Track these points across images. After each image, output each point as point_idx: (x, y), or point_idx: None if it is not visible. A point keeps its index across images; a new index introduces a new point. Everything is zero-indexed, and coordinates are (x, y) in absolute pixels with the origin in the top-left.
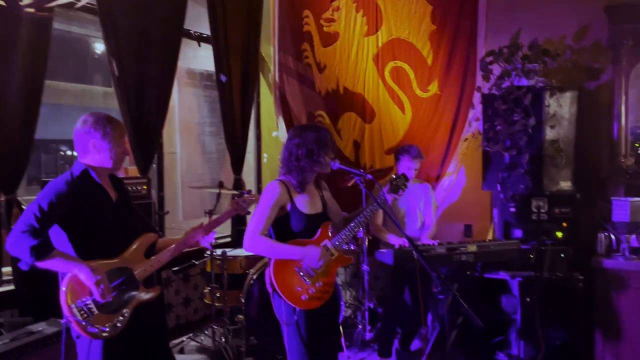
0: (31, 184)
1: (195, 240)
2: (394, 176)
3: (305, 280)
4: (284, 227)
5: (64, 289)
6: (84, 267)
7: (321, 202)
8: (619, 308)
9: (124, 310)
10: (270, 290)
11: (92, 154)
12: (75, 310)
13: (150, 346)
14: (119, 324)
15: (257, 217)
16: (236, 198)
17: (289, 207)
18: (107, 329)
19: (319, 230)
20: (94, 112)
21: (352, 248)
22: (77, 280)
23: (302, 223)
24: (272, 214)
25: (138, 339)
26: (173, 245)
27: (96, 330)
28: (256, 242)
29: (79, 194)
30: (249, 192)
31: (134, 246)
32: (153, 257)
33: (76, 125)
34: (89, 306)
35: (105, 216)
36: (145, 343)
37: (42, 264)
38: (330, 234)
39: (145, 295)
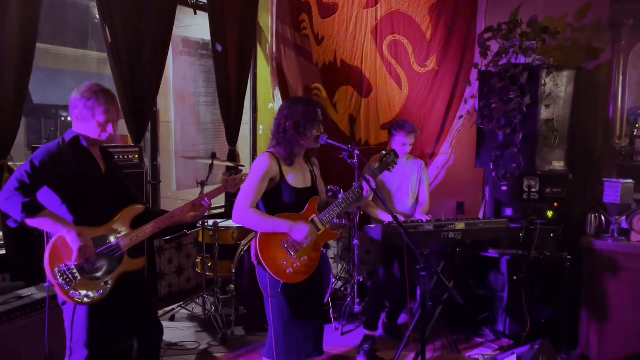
0: (31, 149)
1: (182, 218)
2: (384, 152)
3: (290, 254)
4: (272, 200)
5: (48, 252)
6: (72, 230)
7: (311, 176)
8: (606, 288)
9: (107, 279)
10: (255, 262)
11: (81, 122)
12: (58, 274)
13: (136, 314)
14: (101, 291)
15: (247, 189)
16: (225, 177)
17: (278, 180)
18: (90, 295)
19: (307, 205)
20: (92, 82)
21: (344, 222)
22: (63, 244)
23: (290, 196)
24: (261, 187)
25: (123, 307)
26: (159, 219)
27: (78, 295)
28: (245, 215)
29: (69, 158)
30: (240, 171)
31: (120, 216)
32: (138, 229)
33: (72, 94)
34: (72, 271)
35: (93, 184)
36: (130, 311)
37: (31, 222)
38: (317, 209)
39: (128, 265)
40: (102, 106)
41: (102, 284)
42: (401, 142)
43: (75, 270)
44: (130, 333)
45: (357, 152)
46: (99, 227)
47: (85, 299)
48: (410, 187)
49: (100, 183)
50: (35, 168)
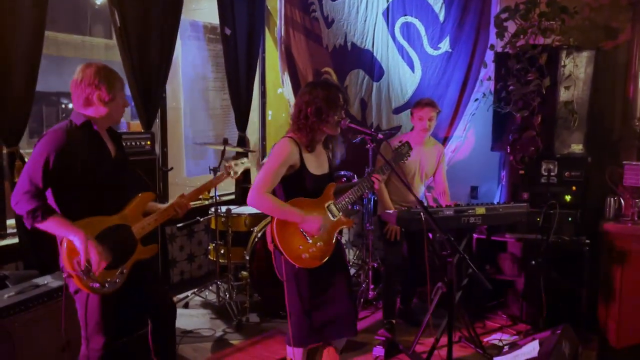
0: (33, 137)
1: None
2: (398, 143)
3: (307, 239)
4: (291, 186)
5: (65, 244)
6: (81, 234)
7: (327, 162)
8: (624, 272)
9: (122, 267)
10: (271, 247)
11: (93, 106)
12: (76, 266)
13: (149, 298)
14: (118, 280)
15: (265, 174)
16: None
17: (298, 166)
18: (107, 285)
19: (324, 192)
20: (90, 62)
21: (356, 208)
22: None
23: (308, 183)
24: (280, 172)
25: (136, 293)
26: (161, 212)
27: (98, 285)
28: (260, 199)
29: (81, 144)
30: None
31: (133, 204)
32: (149, 217)
33: (75, 76)
34: (89, 262)
35: (106, 170)
36: (143, 296)
37: (40, 226)
38: (333, 196)
39: (142, 253)
40: (117, 84)
41: (118, 272)
42: (418, 116)
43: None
44: (144, 316)
45: (380, 135)
46: (113, 216)
47: (104, 289)
48: (425, 174)
49: (111, 169)
50: (45, 169)
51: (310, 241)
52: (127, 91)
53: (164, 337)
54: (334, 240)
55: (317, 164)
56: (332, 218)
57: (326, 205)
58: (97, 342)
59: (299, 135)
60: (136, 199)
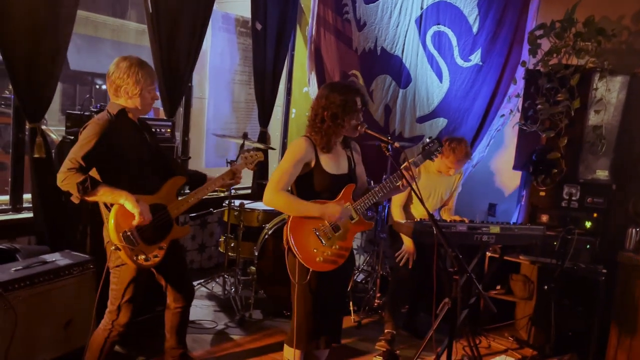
0: (63, 115)
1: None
2: (427, 140)
3: (322, 241)
4: (306, 186)
5: (112, 220)
6: (130, 196)
7: (347, 162)
8: (639, 306)
9: (161, 243)
10: (285, 247)
11: (125, 97)
12: (123, 239)
13: (174, 276)
14: (158, 255)
15: (280, 172)
16: (244, 154)
17: (313, 165)
18: (149, 259)
19: (342, 192)
20: (126, 56)
21: (369, 214)
22: (123, 212)
23: (325, 183)
24: (295, 171)
25: (165, 269)
26: (198, 190)
27: (144, 257)
28: (276, 197)
29: (119, 130)
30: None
31: (168, 185)
32: (182, 198)
33: (110, 68)
34: (134, 236)
35: (143, 152)
36: (170, 273)
37: (90, 198)
38: (352, 197)
39: (177, 232)
40: (149, 78)
41: (158, 248)
42: (448, 163)
43: (136, 235)
44: (166, 291)
45: (394, 145)
46: (151, 196)
47: (147, 262)
48: (441, 196)
49: (149, 153)
50: (89, 149)
51: (325, 243)
52: None
53: (182, 316)
54: (350, 244)
55: (335, 163)
56: (350, 220)
57: (345, 206)
58: (124, 316)
59: (315, 136)
60: (170, 181)
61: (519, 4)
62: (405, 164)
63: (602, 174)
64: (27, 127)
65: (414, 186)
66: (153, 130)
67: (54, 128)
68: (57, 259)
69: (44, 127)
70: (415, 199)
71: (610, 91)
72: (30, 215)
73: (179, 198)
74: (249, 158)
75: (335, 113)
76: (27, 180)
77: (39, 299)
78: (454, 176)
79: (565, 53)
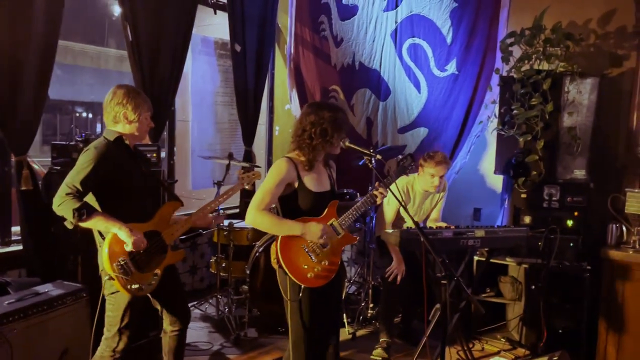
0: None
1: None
2: (400, 156)
3: (311, 258)
4: (290, 205)
5: (106, 249)
6: (123, 226)
7: (329, 180)
8: (625, 299)
9: (156, 270)
10: (276, 265)
11: (123, 124)
12: (117, 268)
13: (170, 299)
14: (153, 282)
15: (262, 192)
16: (241, 174)
17: (296, 185)
18: (144, 287)
19: (326, 209)
20: (122, 84)
21: (357, 226)
22: (117, 241)
23: (309, 201)
24: (276, 191)
25: (161, 293)
26: (190, 217)
27: (137, 286)
28: (258, 216)
29: (116, 157)
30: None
31: (162, 211)
32: (176, 224)
33: (107, 96)
34: (128, 265)
35: (139, 179)
36: (166, 297)
37: (86, 223)
38: (337, 213)
39: (172, 257)
40: (145, 105)
41: (153, 275)
42: (429, 173)
43: (130, 264)
44: (162, 315)
45: (377, 156)
46: (145, 223)
47: (141, 291)
48: (424, 212)
49: (143, 179)
50: (87, 174)
51: (315, 260)
52: None
53: (179, 340)
54: (339, 259)
55: (317, 181)
56: (337, 235)
57: (329, 222)
58: (123, 343)
59: (298, 153)
60: (164, 207)
61: (490, 14)
62: (376, 184)
63: (580, 173)
64: (12, 159)
65: (401, 202)
66: (147, 157)
67: (37, 159)
68: (50, 289)
69: (27, 159)
70: (404, 214)
71: (581, 93)
72: (20, 247)
73: (171, 223)
74: (245, 179)
75: (325, 129)
76: (15, 213)
77: (34, 331)
78: (437, 195)
79: (536, 59)
